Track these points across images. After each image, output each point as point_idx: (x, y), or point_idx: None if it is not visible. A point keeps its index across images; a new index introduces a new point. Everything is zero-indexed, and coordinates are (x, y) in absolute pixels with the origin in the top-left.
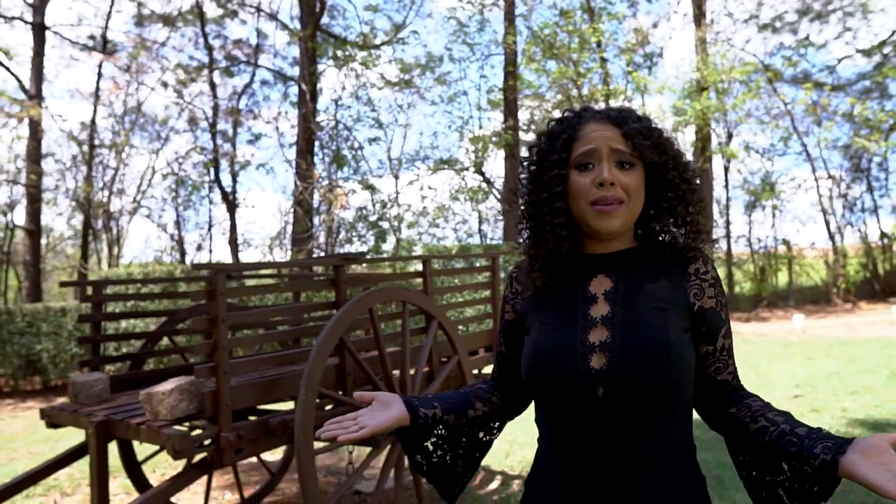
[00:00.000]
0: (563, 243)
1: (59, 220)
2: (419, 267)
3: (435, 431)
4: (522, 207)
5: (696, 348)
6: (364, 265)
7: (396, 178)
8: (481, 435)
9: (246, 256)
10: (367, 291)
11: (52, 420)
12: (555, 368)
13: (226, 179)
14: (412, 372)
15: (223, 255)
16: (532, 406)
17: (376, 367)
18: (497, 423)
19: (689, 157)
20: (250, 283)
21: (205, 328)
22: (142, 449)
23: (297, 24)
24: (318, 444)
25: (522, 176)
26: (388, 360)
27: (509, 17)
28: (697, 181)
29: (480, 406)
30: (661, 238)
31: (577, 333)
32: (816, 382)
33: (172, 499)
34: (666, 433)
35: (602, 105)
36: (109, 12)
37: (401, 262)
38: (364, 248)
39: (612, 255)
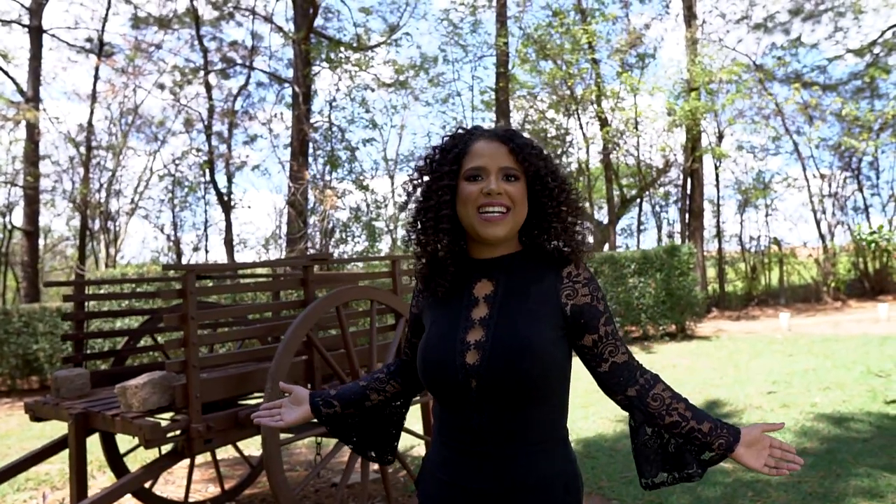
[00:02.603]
0: (443, 246)
1: (57, 221)
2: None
3: (348, 421)
4: (413, 214)
5: (582, 341)
6: (353, 264)
7: (391, 178)
8: (388, 412)
9: (241, 256)
10: (335, 290)
11: (36, 413)
12: (437, 364)
13: (221, 180)
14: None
15: (219, 255)
16: None
17: (345, 363)
18: (399, 402)
19: (565, 173)
20: (225, 283)
21: (175, 325)
22: (125, 445)
23: (291, 27)
24: (284, 435)
25: (415, 184)
26: (355, 356)
27: (501, 19)
28: (575, 193)
29: (376, 396)
30: (542, 243)
31: (458, 333)
32: (792, 378)
33: (156, 491)
34: (533, 419)
35: (594, 107)
36: (106, 15)
37: (372, 261)
38: (358, 248)
39: (495, 261)
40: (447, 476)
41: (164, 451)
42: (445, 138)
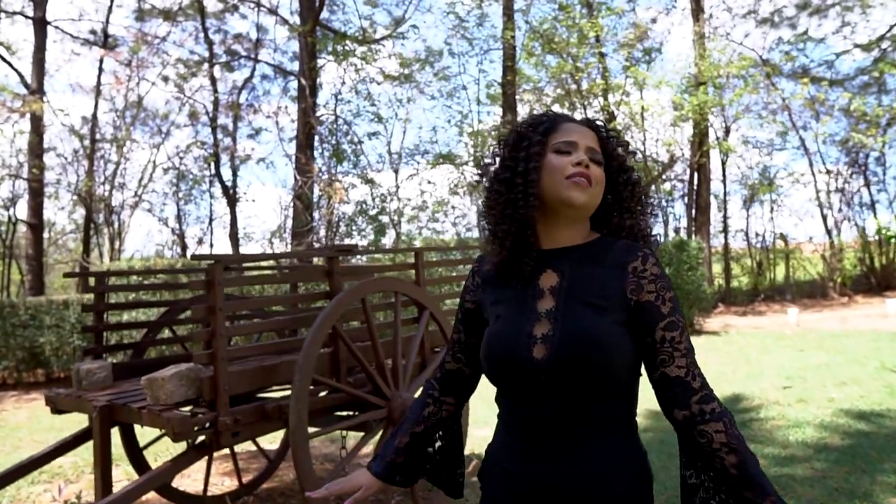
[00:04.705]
0: (532, 212)
1: (61, 214)
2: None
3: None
4: (492, 186)
5: (641, 340)
6: (365, 257)
7: (396, 172)
8: (446, 436)
9: (246, 250)
10: (360, 282)
11: (57, 406)
12: (505, 357)
13: (226, 174)
14: (403, 361)
15: (224, 248)
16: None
17: (369, 355)
18: (454, 425)
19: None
20: (249, 274)
21: (203, 317)
22: (143, 437)
23: (296, 19)
24: (311, 429)
25: (495, 159)
26: (381, 348)
27: (508, 12)
28: (643, 188)
29: (433, 409)
30: (612, 232)
31: (524, 326)
32: (806, 373)
33: (174, 484)
34: (600, 411)
35: (601, 100)
36: (110, 7)
37: (394, 253)
38: (364, 242)
39: (560, 251)
40: (512, 465)
41: (187, 447)
42: (533, 115)
